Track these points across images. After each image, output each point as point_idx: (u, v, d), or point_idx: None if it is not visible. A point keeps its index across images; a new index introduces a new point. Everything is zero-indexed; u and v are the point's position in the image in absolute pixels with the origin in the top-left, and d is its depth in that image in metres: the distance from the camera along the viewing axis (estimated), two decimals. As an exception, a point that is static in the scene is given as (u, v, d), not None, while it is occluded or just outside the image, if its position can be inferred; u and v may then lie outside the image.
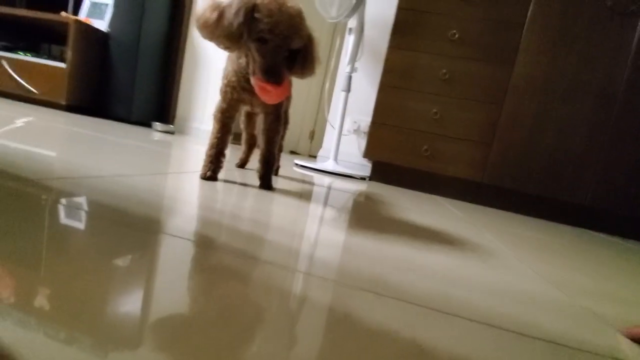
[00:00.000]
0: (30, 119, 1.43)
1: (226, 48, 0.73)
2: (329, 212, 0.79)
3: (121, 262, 0.33)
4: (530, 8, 1.60)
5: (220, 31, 0.68)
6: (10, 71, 2.28)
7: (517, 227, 1.25)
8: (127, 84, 2.35)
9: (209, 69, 2.60)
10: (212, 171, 0.86)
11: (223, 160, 0.89)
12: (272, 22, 0.66)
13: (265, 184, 0.89)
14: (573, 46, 1.57)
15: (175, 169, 0.92)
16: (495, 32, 1.64)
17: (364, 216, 0.83)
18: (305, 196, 0.96)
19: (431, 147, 1.74)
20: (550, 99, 1.61)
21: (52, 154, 0.77)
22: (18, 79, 2.27)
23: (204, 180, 0.84)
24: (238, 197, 0.73)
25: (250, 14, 0.67)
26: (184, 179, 0.81)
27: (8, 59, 2.29)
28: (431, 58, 1.70)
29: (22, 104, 2.15)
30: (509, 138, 1.66)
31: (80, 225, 0.40)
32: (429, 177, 1.83)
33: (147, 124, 2.51)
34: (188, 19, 2.56)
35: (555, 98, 1.61)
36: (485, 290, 0.47)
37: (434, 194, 1.83)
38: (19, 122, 1.22)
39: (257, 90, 0.74)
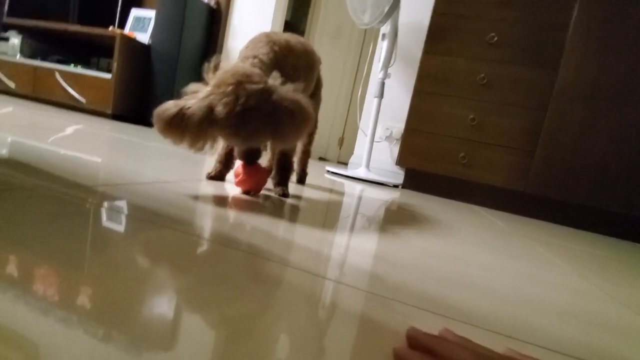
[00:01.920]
0: (80, 126, 1.52)
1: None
2: (367, 222, 0.77)
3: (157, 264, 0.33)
4: (575, 10, 1.51)
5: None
6: (63, 82, 2.45)
7: (567, 240, 1.16)
8: (167, 93, 2.46)
9: (243, 78, 2.66)
10: (218, 171, 0.87)
11: (233, 161, 0.89)
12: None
13: (280, 190, 0.85)
14: (621, 49, 1.46)
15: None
16: (537, 34, 1.56)
17: (404, 226, 0.81)
18: (340, 203, 0.94)
19: (468, 154, 1.67)
20: (599, 104, 1.51)
21: (100, 160, 0.81)
22: (69, 89, 2.44)
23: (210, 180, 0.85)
24: (249, 208, 0.72)
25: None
26: (215, 185, 0.82)
27: (61, 71, 2.46)
28: (468, 62, 1.65)
29: (72, 112, 2.30)
30: (553, 145, 1.57)
31: (129, 230, 0.41)
32: (466, 185, 1.75)
33: (184, 132, 2.60)
34: (224, 31, 2.65)
35: (605, 103, 1.50)
36: (554, 312, 0.43)
37: (471, 203, 1.75)
38: (70, 130, 1.30)
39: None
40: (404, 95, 2.09)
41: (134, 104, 2.50)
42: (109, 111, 2.34)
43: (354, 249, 0.52)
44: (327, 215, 0.75)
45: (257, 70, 0.66)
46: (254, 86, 0.62)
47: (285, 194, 0.84)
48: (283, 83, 0.66)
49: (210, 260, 0.36)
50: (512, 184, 1.63)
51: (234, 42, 2.64)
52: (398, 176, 2.08)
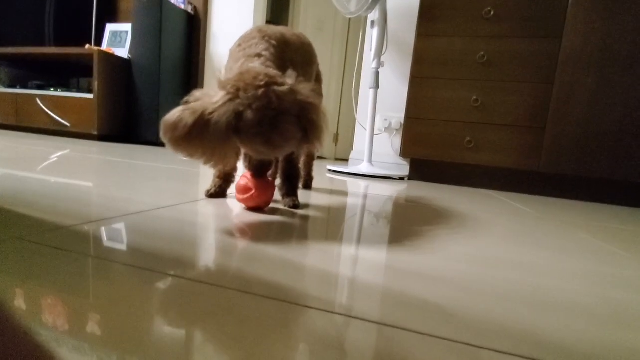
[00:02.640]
0: (66, 151, 1.43)
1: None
2: (387, 225, 0.69)
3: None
4: (574, -29, 1.42)
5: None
6: (44, 108, 2.35)
7: (604, 219, 1.08)
8: (152, 107, 2.36)
9: (230, 83, 2.57)
10: (219, 187, 0.79)
11: (234, 175, 0.81)
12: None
13: (290, 201, 0.76)
14: (631, 9, 1.38)
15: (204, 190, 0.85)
16: (535, 3, 1.48)
17: (429, 226, 0.72)
18: (352, 206, 0.86)
19: (475, 137, 1.59)
20: (609, 69, 1.42)
21: (89, 186, 0.73)
22: (51, 114, 2.34)
23: (210, 198, 0.77)
24: (262, 224, 0.64)
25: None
26: (217, 203, 0.74)
27: (41, 96, 2.36)
28: (465, 41, 1.56)
29: (56, 137, 2.21)
30: (565, 118, 1.48)
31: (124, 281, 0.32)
32: (476, 170, 1.67)
33: (176, 145, 2.50)
34: (204, 37, 2.55)
35: (617, 69, 1.42)
36: None
37: (482, 188, 1.67)
38: (54, 157, 1.21)
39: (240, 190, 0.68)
40: (399, 83, 2.00)
41: (120, 122, 2.40)
42: (95, 132, 2.24)
43: (387, 268, 0.44)
44: (343, 223, 0.66)
45: (276, 71, 0.58)
46: (283, 88, 0.54)
47: (296, 205, 0.76)
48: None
49: (228, 315, 0.28)
50: (524, 164, 1.55)
51: (215, 47, 2.54)
52: (402, 168, 1.99)
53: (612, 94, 1.42)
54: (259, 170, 0.66)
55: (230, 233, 0.54)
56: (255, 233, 0.55)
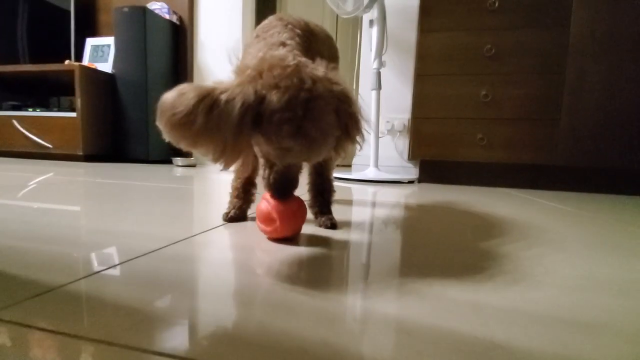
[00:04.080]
0: (50, 175, 1.31)
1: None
2: (448, 250, 0.60)
3: None
4: (577, -43, 1.38)
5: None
6: (22, 130, 2.20)
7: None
8: (140, 123, 2.24)
9: (221, 93, 2.46)
10: (238, 209, 0.67)
11: (254, 192, 0.70)
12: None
13: (326, 221, 0.65)
14: (637, -9, 1.34)
15: (217, 214, 0.74)
16: (539, -8, 1.43)
17: (486, 240, 0.63)
18: (381, 219, 0.76)
19: (487, 134, 1.52)
20: (620, 57, 1.38)
21: (79, 217, 0.62)
22: (31, 136, 2.19)
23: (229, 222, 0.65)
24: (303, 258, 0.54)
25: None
26: (239, 230, 0.64)
27: (18, 117, 2.22)
28: (470, 35, 1.50)
29: (39, 161, 2.06)
30: (578, 108, 1.43)
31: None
32: (489, 168, 1.60)
33: (167, 161, 2.38)
34: (191, 47, 2.45)
35: (627, 55, 1.37)
36: None
37: (499, 187, 1.60)
38: (33, 183, 1.08)
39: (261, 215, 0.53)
40: (399, 83, 1.93)
41: (106, 140, 2.27)
42: (80, 152, 2.10)
43: (479, 309, 0.34)
44: (389, 246, 0.57)
45: (306, 58, 0.47)
46: (318, 72, 0.44)
47: (334, 225, 0.65)
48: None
49: None
50: (540, 159, 1.48)
51: (203, 57, 2.44)
52: (409, 170, 1.91)
53: (623, 81, 1.38)
54: (282, 189, 0.50)
55: (256, 275, 0.44)
56: (292, 276, 0.45)
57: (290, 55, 0.44)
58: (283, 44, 0.52)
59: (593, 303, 0.36)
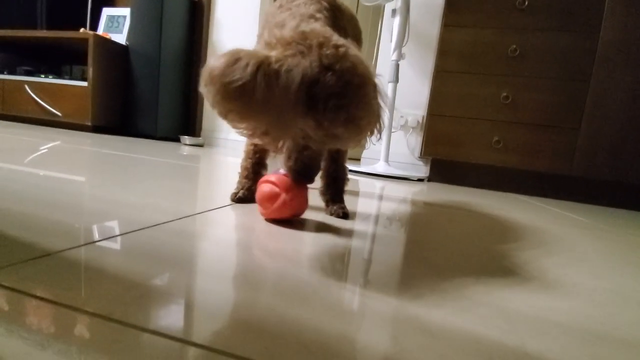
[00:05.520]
0: (57, 143, 1.29)
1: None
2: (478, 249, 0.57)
3: None
4: (614, -39, 1.32)
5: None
6: (34, 95, 2.19)
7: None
8: (150, 98, 2.21)
9: (234, 75, 2.43)
10: (247, 189, 0.64)
11: (264, 173, 0.67)
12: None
13: (338, 209, 0.62)
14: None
15: (225, 193, 0.72)
16: (571, -5, 1.37)
17: (506, 243, 0.61)
18: (397, 213, 0.74)
19: (503, 137, 1.48)
20: (650, 67, 1.33)
21: (86, 185, 0.60)
22: (41, 102, 2.17)
23: (236, 203, 0.63)
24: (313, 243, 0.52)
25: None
26: (247, 211, 0.61)
27: (30, 83, 2.20)
28: (496, 33, 1.45)
29: (47, 128, 2.05)
30: (600, 119, 1.38)
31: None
32: (502, 172, 1.57)
33: (174, 139, 2.36)
34: (207, 25, 2.41)
35: (658, 65, 1.32)
36: None
37: (510, 192, 1.57)
38: (43, 149, 1.06)
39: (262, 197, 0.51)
40: (417, 78, 1.89)
41: (115, 113, 2.25)
42: (89, 123, 2.09)
43: (510, 316, 0.32)
44: (407, 240, 0.55)
45: (347, 39, 0.44)
46: (360, 55, 0.41)
47: (346, 214, 0.62)
48: None
49: None
50: (556, 168, 1.44)
51: (219, 35, 2.40)
52: (418, 168, 1.88)
53: (658, 93, 1.33)
54: (308, 172, 0.47)
55: (274, 255, 0.42)
56: (311, 261, 0.43)
57: (334, 34, 0.42)
58: (313, 17, 0.49)
59: (625, 318, 0.33)
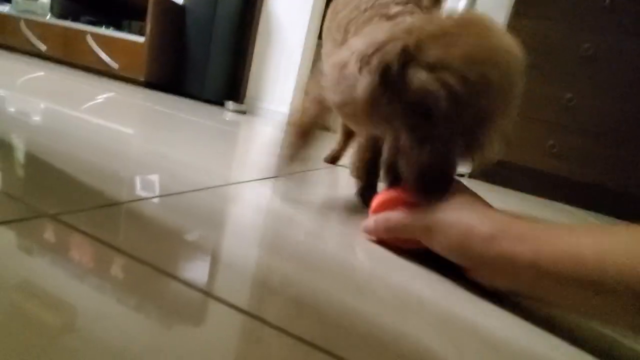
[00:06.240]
0: (112, 94, 1.35)
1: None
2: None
3: None
4: None
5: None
6: (95, 46, 2.28)
7: None
8: (201, 60, 2.25)
9: (282, 46, 2.41)
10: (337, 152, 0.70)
11: (352, 138, 0.64)
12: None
13: None
14: None
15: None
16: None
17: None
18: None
19: (560, 142, 1.39)
20: None
21: (142, 140, 0.63)
22: (101, 54, 2.27)
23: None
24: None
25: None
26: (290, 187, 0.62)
27: (93, 34, 2.29)
28: (570, 29, 1.34)
29: (103, 78, 2.15)
30: (674, 135, 1.27)
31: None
32: (553, 180, 1.48)
33: (218, 102, 2.41)
34: (264, -10, 2.38)
35: None
36: None
37: (557, 201, 1.49)
38: (99, 98, 1.12)
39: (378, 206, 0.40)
40: (473, 69, 1.79)
41: (169, 71, 2.31)
42: (142, 78, 2.16)
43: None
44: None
45: None
46: None
47: None
48: None
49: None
50: (614, 182, 1.35)
51: (274, 5, 2.37)
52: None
53: None
54: (436, 186, 0.36)
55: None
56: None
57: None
58: (407, 1, 0.45)
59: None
